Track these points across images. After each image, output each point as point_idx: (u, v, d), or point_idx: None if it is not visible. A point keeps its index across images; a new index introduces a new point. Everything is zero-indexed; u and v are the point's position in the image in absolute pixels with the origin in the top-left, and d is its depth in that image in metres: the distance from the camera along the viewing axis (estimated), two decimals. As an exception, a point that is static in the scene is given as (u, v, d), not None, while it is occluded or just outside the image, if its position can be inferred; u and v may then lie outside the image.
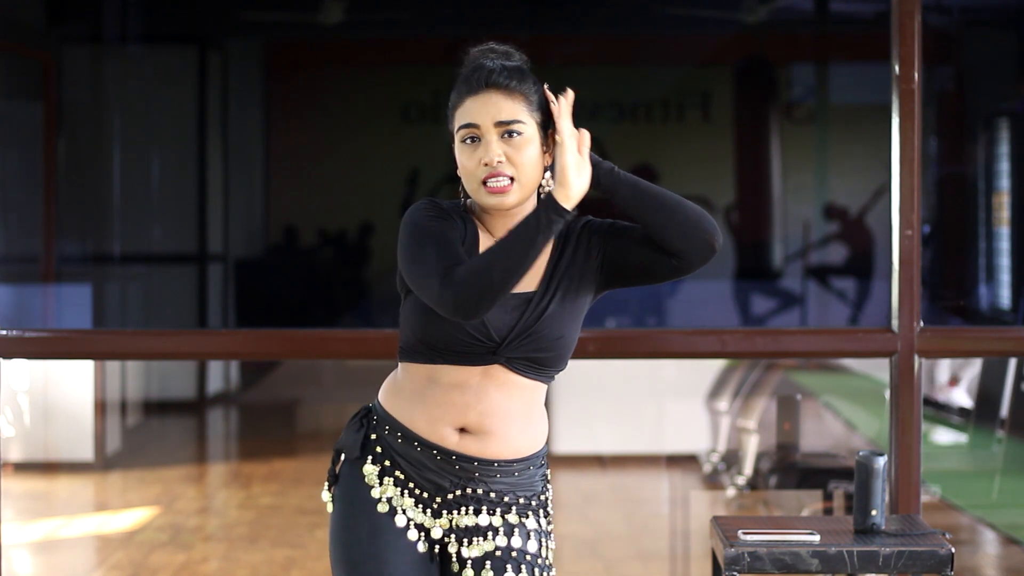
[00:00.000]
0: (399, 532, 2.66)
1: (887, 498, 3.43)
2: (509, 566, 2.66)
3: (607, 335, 3.93)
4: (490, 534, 2.67)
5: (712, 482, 6.94)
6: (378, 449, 2.69)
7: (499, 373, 2.63)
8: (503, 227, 2.66)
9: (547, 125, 2.65)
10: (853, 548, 3.08)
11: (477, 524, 2.66)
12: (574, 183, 2.53)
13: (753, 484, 6.36)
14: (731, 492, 6.56)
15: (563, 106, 2.57)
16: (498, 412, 2.64)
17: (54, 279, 8.51)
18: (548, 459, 2.78)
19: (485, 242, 2.66)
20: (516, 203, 2.63)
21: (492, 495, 2.66)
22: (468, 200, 2.70)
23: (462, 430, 2.65)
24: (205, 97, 9.92)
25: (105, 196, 9.27)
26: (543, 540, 2.71)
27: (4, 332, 3.91)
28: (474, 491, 2.66)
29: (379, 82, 10.57)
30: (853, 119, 9.87)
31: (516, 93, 2.62)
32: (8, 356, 3.98)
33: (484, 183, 2.60)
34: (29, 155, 8.51)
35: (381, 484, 2.67)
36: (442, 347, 2.62)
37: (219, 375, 9.91)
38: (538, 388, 2.67)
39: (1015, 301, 8.31)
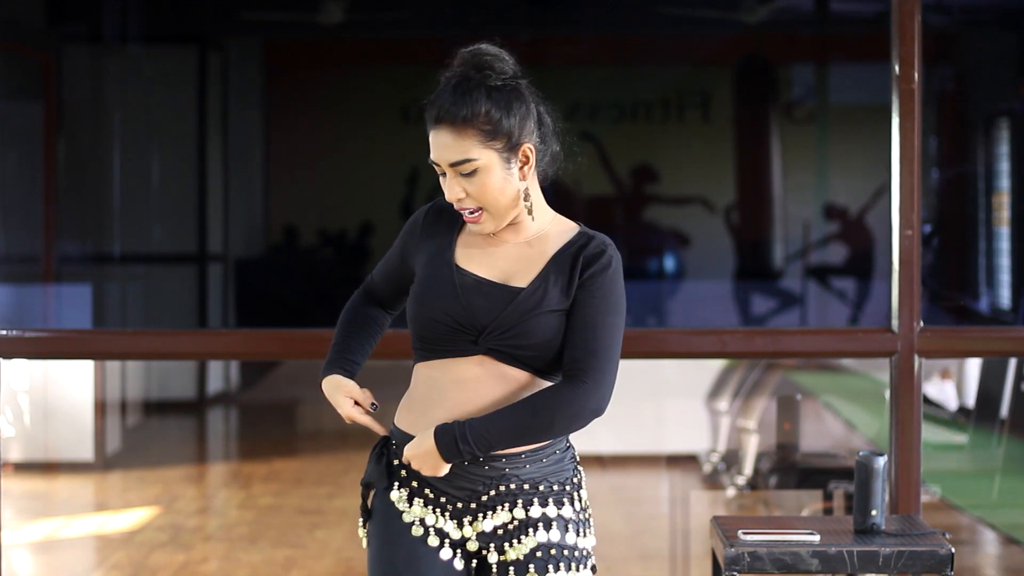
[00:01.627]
0: (433, 554, 2.66)
1: (887, 498, 3.43)
2: (550, 566, 2.64)
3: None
4: (530, 530, 2.65)
5: (712, 482, 6.94)
6: (403, 473, 2.70)
7: (492, 366, 2.63)
8: (507, 231, 2.69)
9: (514, 144, 2.62)
10: (853, 548, 3.08)
11: (514, 519, 2.65)
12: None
13: (753, 484, 6.36)
14: (731, 492, 6.56)
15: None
16: (500, 406, 2.63)
17: (54, 279, 8.51)
18: (571, 445, 2.78)
19: (464, 245, 2.70)
20: (494, 228, 2.65)
21: (526, 486, 2.66)
22: None
23: None
24: (205, 97, 9.92)
25: (105, 196, 9.27)
26: (580, 529, 2.70)
27: (4, 332, 3.91)
28: (508, 487, 2.65)
29: (379, 82, 10.57)
30: (853, 119, 9.87)
31: (466, 128, 2.59)
32: (8, 356, 3.98)
33: (460, 210, 2.65)
34: (29, 155, 8.51)
35: (411, 506, 2.68)
36: (431, 335, 2.65)
37: (219, 375, 9.91)
38: (538, 382, 2.67)
39: (1015, 301, 8.31)
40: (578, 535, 2.69)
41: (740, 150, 9.95)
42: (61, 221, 8.67)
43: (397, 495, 2.69)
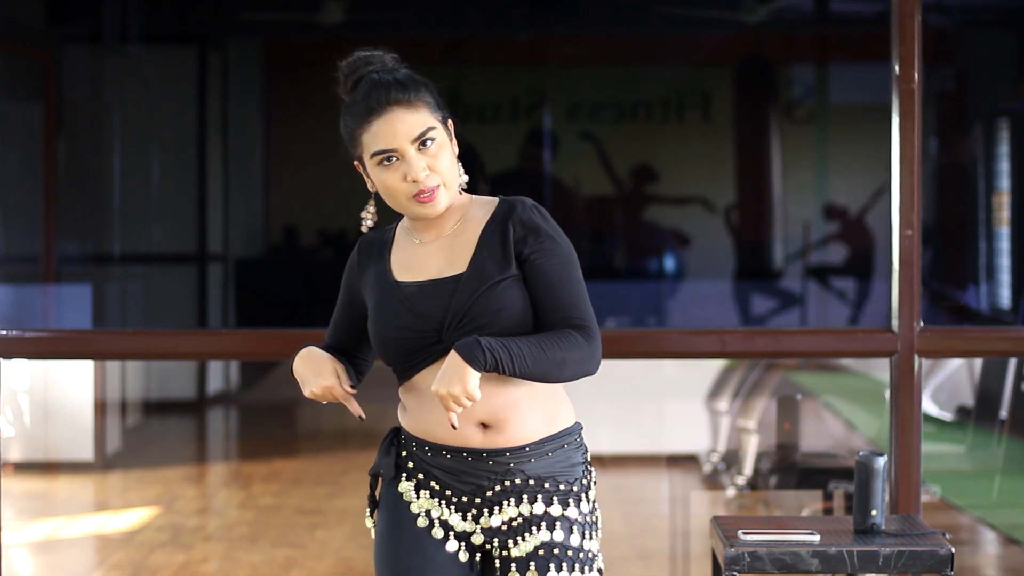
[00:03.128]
0: (438, 544, 2.68)
1: (887, 498, 3.43)
2: (552, 565, 2.64)
3: (607, 335, 3.92)
4: (533, 528, 2.65)
5: (712, 482, 6.93)
6: (410, 465, 2.72)
7: None
8: (428, 226, 2.71)
9: (445, 117, 2.70)
10: (853, 548, 3.08)
11: (520, 515, 2.65)
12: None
13: (753, 484, 6.36)
14: (731, 492, 6.55)
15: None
16: (501, 400, 2.64)
17: (54, 279, 8.50)
18: (583, 444, 2.78)
19: (397, 248, 2.73)
20: (445, 207, 2.68)
21: (531, 482, 2.66)
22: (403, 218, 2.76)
23: (484, 426, 2.65)
24: (205, 97, 9.91)
25: (105, 196, 9.27)
26: (586, 531, 2.69)
27: (4, 332, 3.91)
28: (513, 482, 2.66)
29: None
30: (853, 119, 9.87)
31: (417, 102, 2.66)
32: (8, 356, 3.98)
33: (415, 196, 2.64)
34: (29, 155, 8.50)
35: (418, 498, 2.69)
36: (394, 356, 2.68)
37: (219, 375, 9.91)
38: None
39: (1015, 301, 8.30)
40: (584, 537, 2.69)
41: (740, 150, 9.95)
42: (61, 221, 8.67)
43: (405, 486, 2.71)
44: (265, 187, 10.64)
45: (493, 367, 2.56)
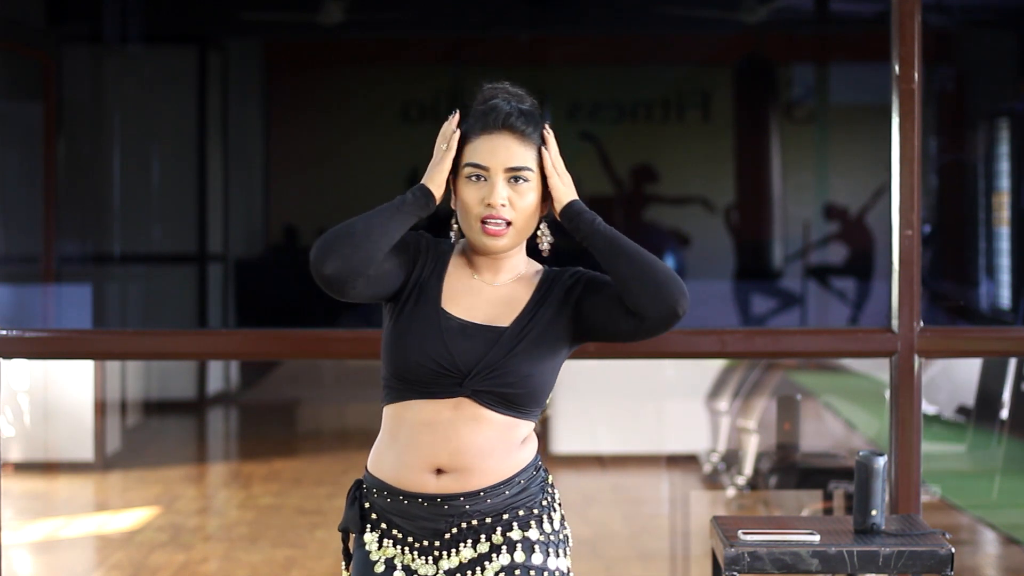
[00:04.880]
0: None
1: (887, 498, 3.43)
2: None
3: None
4: (494, 555, 2.65)
5: (712, 482, 6.94)
6: (373, 516, 2.71)
7: (469, 408, 2.62)
8: (482, 265, 2.70)
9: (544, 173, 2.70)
10: (853, 548, 3.08)
11: (479, 554, 2.65)
12: (439, 182, 2.67)
13: (753, 484, 6.36)
14: (731, 492, 6.56)
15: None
16: (470, 449, 2.63)
17: (54, 279, 8.51)
18: (549, 460, 2.78)
19: (452, 272, 2.70)
20: (506, 247, 2.66)
21: (488, 519, 2.66)
22: (462, 240, 2.73)
23: (439, 471, 2.64)
24: (205, 97, 9.92)
25: (105, 196, 9.28)
26: (550, 550, 2.68)
27: (4, 332, 3.91)
28: (470, 524, 2.65)
29: (379, 82, 10.57)
30: (853, 119, 9.87)
31: (528, 140, 2.66)
32: (8, 356, 3.98)
33: (482, 222, 2.63)
34: (29, 155, 8.51)
35: (380, 547, 2.69)
36: (411, 377, 2.63)
37: (219, 375, 9.91)
38: (515, 424, 2.66)
39: (1015, 301, 8.31)
40: (548, 555, 2.67)
41: (740, 150, 9.95)
42: (61, 221, 8.67)
43: (369, 537, 2.70)
44: (265, 187, 10.65)
45: (590, 220, 2.64)
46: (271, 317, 9.88)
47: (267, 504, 6.88)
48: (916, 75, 3.79)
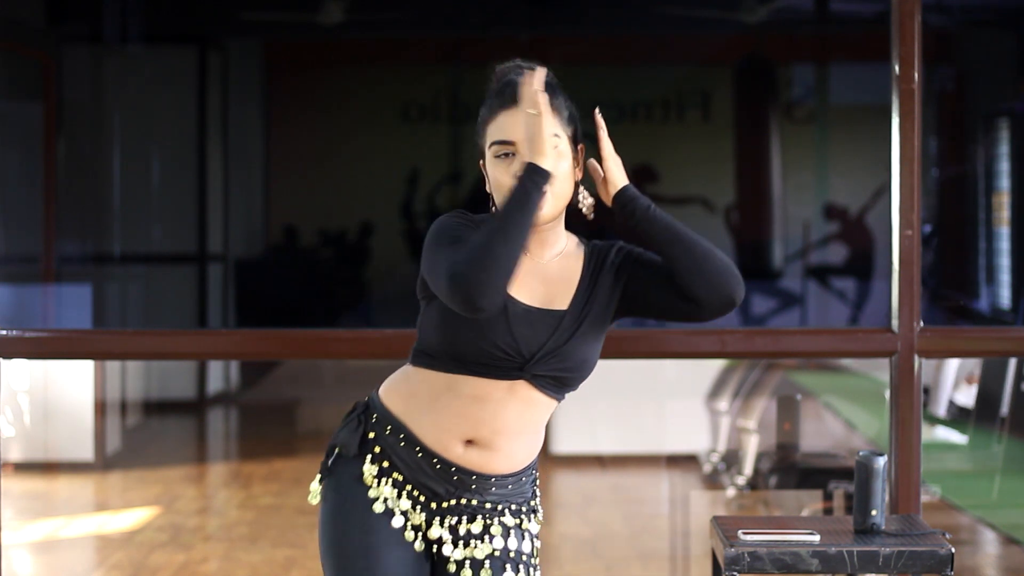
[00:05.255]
0: (394, 531, 2.66)
1: (887, 498, 3.43)
2: (508, 565, 2.68)
3: (607, 335, 3.92)
4: (486, 537, 2.68)
5: (712, 482, 6.93)
6: (377, 449, 2.68)
7: (524, 390, 2.63)
8: (533, 244, 2.65)
9: (577, 139, 2.66)
10: (853, 548, 3.08)
11: (470, 531, 2.67)
12: (546, 152, 2.55)
13: (753, 484, 6.36)
14: (731, 492, 6.56)
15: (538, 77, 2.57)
16: (510, 429, 2.64)
17: (54, 279, 8.50)
18: (549, 460, 2.81)
19: None
20: (548, 216, 2.61)
21: (487, 504, 2.68)
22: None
23: (468, 442, 2.65)
24: (205, 97, 9.92)
25: (105, 196, 9.28)
26: (533, 541, 2.74)
27: (4, 332, 3.91)
28: (468, 501, 2.67)
29: (379, 82, 10.57)
30: (853, 119, 9.87)
31: (551, 108, 2.60)
32: (8, 356, 3.98)
33: None
34: (29, 155, 8.51)
35: (378, 485, 2.67)
36: (469, 359, 2.60)
37: (219, 375, 9.91)
38: (552, 406, 2.69)
39: (1015, 301, 8.31)
40: (532, 545, 2.74)
41: (740, 150, 9.95)
42: (61, 221, 8.67)
43: (368, 468, 2.68)
44: (265, 187, 10.65)
45: (645, 206, 2.62)
46: (271, 317, 9.88)
47: (267, 504, 6.88)
48: (916, 75, 3.79)
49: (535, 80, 2.54)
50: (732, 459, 6.84)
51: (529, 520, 2.73)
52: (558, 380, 2.64)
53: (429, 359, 2.64)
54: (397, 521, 2.66)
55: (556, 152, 2.59)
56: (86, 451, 7.61)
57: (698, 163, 10.08)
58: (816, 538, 3.11)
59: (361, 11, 9.78)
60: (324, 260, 10.71)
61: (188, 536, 6.23)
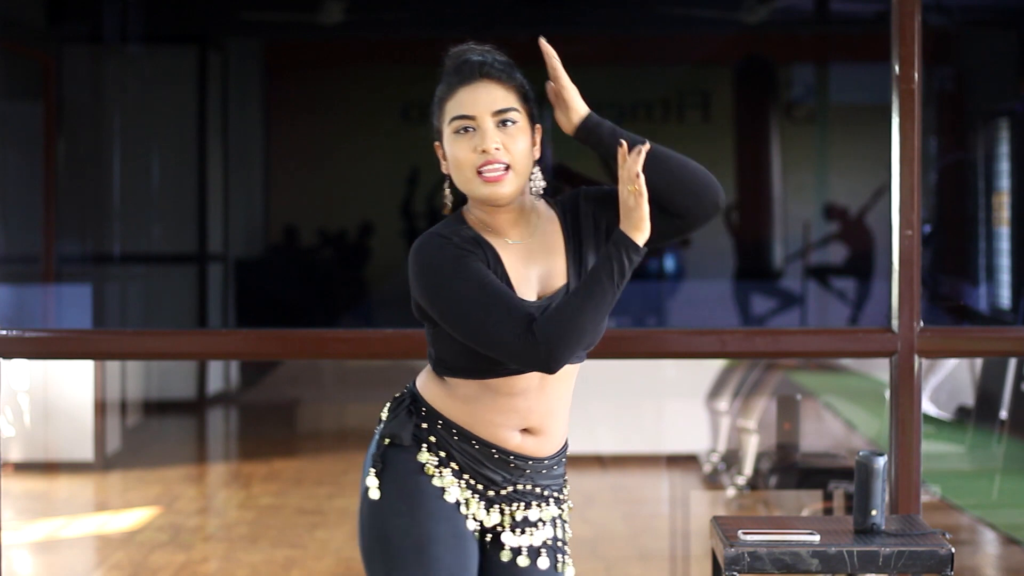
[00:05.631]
0: (458, 519, 2.67)
1: (887, 498, 3.43)
2: (559, 555, 2.74)
3: (607, 335, 3.92)
4: (539, 525, 2.72)
5: (712, 482, 6.94)
6: (432, 439, 2.68)
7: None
8: (508, 226, 2.65)
9: (535, 118, 2.66)
10: (853, 548, 3.08)
11: (526, 518, 2.70)
12: (647, 229, 2.54)
13: (753, 484, 6.36)
14: (731, 492, 6.56)
15: (638, 157, 2.54)
16: (556, 409, 2.67)
17: (54, 279, 8.50)
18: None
19: (501, 252, 2.64)
20: (510, 194, 2.61)
21: (537, 490, 2.71)
22: (464, 210, 2.67)
23: (524, 431, 2.67)
24: (205, 97, 9.91)
25: (105, 196, 9.27)
26: (566, 527, 2.80)
27: (4, 332, 3.91)
28: (524, 487, 2.70)
29: (379, 82, 10.56)
30: (853, 119, 9.87)
31: (509, 84, 2.62)
32: (8, 356, 3.98)
33: (479, 172, 2.58)
34: (29, 155, 8.51)
35: (440, 475, 2.67)
36: (500, 370, 2.62)
37: (219, 375, 9.91)
38: (578, 368, 2.71)
39: (1015, 301, 8.30)
40: (566, 532, 2.79)
41: (740, 150, 9.95)
42: (61, 221, 8.67)
43: (426, 457, 2.67)
44: (265, 187, 10.65)
45: (610, 130, 2.65)
46: (271, 317, 9.88)
47: (267, 504, 6.88)
48: (916, 75, 3.79)
49: (637, 160, 2.53)
50: (732, 459, 6.84)
51: (562, 508, 2.77)
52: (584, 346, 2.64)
53: (456, 371, 2.64)
54: (464, 509, 2.68)
55: (515, 129, 2.60)
56: (86, 451, 7.61)
57: (698, 163, 10.07)
58: (816, 538, 3.11)
59: (361, 11, 9.78)
60: (324, 260, 10.71)
61: (188, 536, 6.23)
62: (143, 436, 8.68)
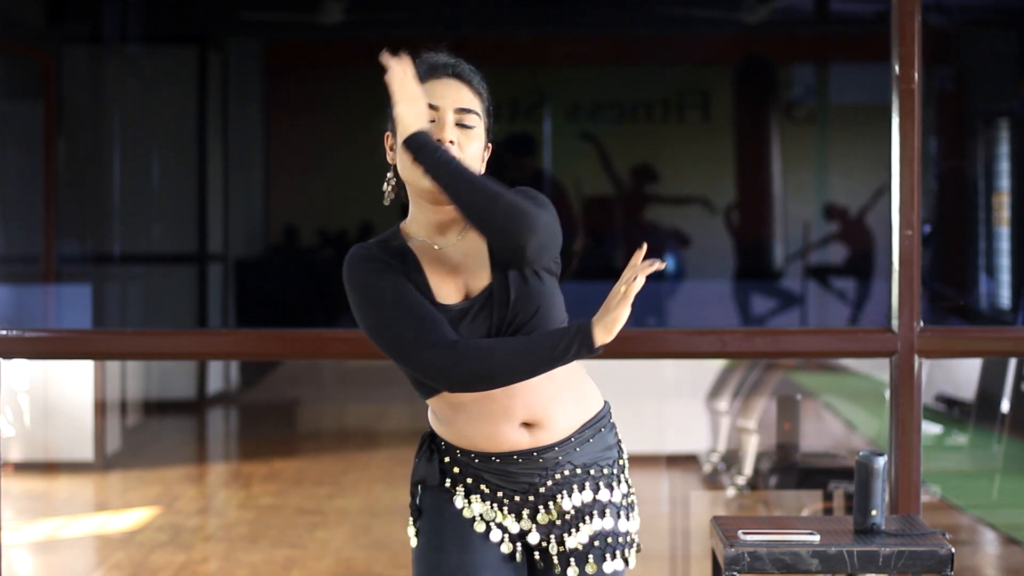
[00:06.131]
0: (492, 546, 2.68)
1: (887, 498, 3.43)
2: (607, 555, 2.68)
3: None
4: (586, 517, 2.67)
5: (712, 482, 6.93)
6: (456, 470, 2.70)
7: None
8: (442, 227, 2.66)
9: (489, 135, 2.71)
10: (853, 548, 3.08)
11: (573, 506, 2.67)
12: (613, 334, 2.54)
13: (753, 484, 6.36)
14: (731, 492, 6.56)
15: (648, 270, 2.51)
16: (540, 399, 2.64)
17: (54, 279, 8.50)
18: (613, 423, 2.78)
19: (424, 259, 2.65)
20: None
21: (579, 470, 2.68)
22: (402, 223, 2.70)
23: (525, 424, 2.65)
24: (205, 97, 9.91)
25: (105, 196, 9.27)
26: (627, 513, 2.73)
27: (4, 332, 3.91)
28: (563, 474, 2.67)
29: (379, 82, 10.55)
30: (853, 119, 9.87)
31: (477, 90, 2.68)
32: (8, 356, 3.98)
33: None
34: (29, 155, 8.51)
35: (470, 504, 2.69)
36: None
37: (219, 375, 9.91)
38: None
39: (1015, 301, 8.31)
40: (627, 519, 2.73)
41: (740, 150, 9.95)
42: (61, 221, 8.67)
43: (456, 489, 2.69)
44: (265, 187, 10.64)
45: (433, 150, 2.54)
46: (271, 317, 9.88)
47: (267, 504, 6.88)
48: (916, 75, 3.79)
49: (645, 271, 2.51)
50: (732, 459, 6.84)
51: (619, 486, 2.71)
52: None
53: (428, 389, 2.66)
54: (495, 535, 2.67)
55: (472, 133, 2.65)
56: (86, 451, 7.61)
57: (698, 163, 10.07)
58: (816, 538, 3.11)
59: (361, 11, 9.78)
60: (324, 260, 10.71)
61: (188, 536, 6.23)
62: (143, 436, 8.68)
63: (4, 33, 7.95)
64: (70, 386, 7.59)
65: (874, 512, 3.17)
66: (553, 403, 2.65)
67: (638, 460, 7.75)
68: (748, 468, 6.46)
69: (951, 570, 3.07)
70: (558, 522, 2.68)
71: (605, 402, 2.76)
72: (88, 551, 6.12)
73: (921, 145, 3.81)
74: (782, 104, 9.96)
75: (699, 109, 10.19)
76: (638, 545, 2.75)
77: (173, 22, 9.99)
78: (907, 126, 3.80)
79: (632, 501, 2.75)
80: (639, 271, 2.50)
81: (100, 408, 7.70)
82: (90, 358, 6.96)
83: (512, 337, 2.56)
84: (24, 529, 6.35)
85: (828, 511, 5.14)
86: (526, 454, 2.65)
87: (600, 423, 2.71)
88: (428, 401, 2.70)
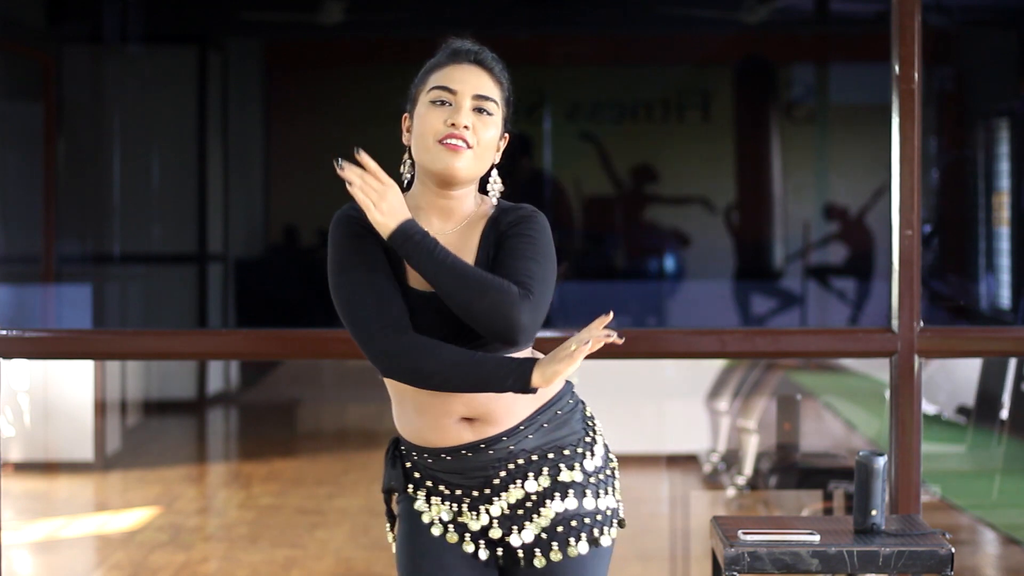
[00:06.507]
0: (453, 548, 2.67)
1: (887, 498, 3.43)
2: (571, 539, 2.63)
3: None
4: (546, 501, 2.62)
5: (712, 482, 6.93)
6: (416, 474, 2.70)
7: None
8: (438, 212, 2.64)
9: (507, 126, 2.69)
10: (853, 548, 3.08)
11: (527, 493, 2.62)
12: (550, 384, 2.50)
13: (753, 484, 6.36)
14: (731, 492, 6.55)
15: (604, 340, 2.48)
16: (480, 396, 2.60)
17: (54, 279, 8.50)
18: (577, 402, 2.74)
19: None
20: (463, 173, 2.60)
21: (535, 457, 2.64)
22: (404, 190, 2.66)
23: (467, 419, 2.63)
24: (205, 97, 9.91)
25: (105, 196, 9.27)
26: (598, 490, 2.66)
27: (4, 332, 3.91)
28: (516, 463, 2.63)
29: (379, 82, 10.56)
30: (853, 119, 9.87)
31: (497, 79, 2.67)
32: (8, 356, 3.98)
33: (441, 141, 2.59)
34: (29, 155, 8.50)
35: (430, 507, 2.68)
36: None
37: (219, 375, 9.91)
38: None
39: (1015, 301, 8.31)
40: (597, 496, 2.65)
41: (740, 150, 9.95)
42: (61, 221, 8.67)
43: (418, 494, 2.70)
44: (265, 187, 10.64)
45: (423, 244, 2.51)
46: (271, 317, 9.87)
47: (267, 504, 6.88)
48: (916, 75, 3.79)
49: (599, 342, 2.47)
50: (732, 459, 6.84)
51: (584, 462, 2.65)
52: (482, 337, 2.59)
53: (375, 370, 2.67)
54: (453, 537, 2.67)
55: (489, 120, 2.63)
56: (86, 451, 7.61)
57: (698, 163, 10.07)
58: (816, 538, 3.11)
59: (361, 11, 9.78)
60: (324, 260, 10.70)
61: (188, 536, 6.23)
62: (143, 436, 8.68)
63: (4, 33, 7.95)
64: (70, 386, 7.59)
65: (874, 512, 3.17)
66: (496, 399, 2.61)
67: (638, 460, 7.78)
68: (748, 468, 6.46)
69: (951, 570, 3.07)
70: (519, 512, 2.64)
71: (567, 382, 2.72)
72: (88, 551, 6.11)
73: (921, 145, 3.81)
74: (782, 104, 9.96)
75: (699, 109, 10.19)
76: (620, 520, 2.68)
77: (173, 22, 9.99)
78: (907, 126, 3.80)
79: (608, 476, 2.68)
80: (595, 339, 2.45)
81: (100, 408, 7.70)
82: (90, 358, 6.96)
83: (460, 349, 2.52)
84: (24, 529, 6.35)
85: (828, 511, 5.14)
86: (472, 447, 2.62)
87: (556, 406, 2.66)
88: (388, 383, 2.67)
